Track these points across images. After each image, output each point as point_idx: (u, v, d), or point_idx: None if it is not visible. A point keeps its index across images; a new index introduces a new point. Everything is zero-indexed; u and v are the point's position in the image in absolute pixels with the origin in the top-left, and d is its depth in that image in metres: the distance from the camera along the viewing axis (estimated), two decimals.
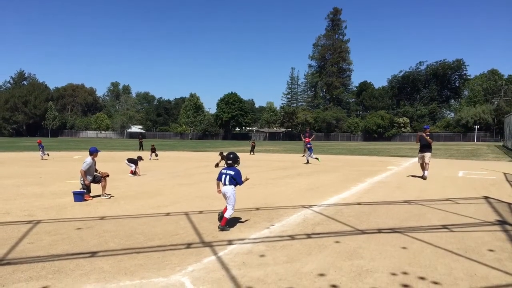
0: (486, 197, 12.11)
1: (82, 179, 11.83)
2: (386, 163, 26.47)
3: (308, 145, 25.88)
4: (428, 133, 17.56)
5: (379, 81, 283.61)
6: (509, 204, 11.03)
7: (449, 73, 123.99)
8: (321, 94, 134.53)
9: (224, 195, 8.08)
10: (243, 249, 6.65)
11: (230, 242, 7.01)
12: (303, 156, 29.34)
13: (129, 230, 7.89)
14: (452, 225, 8.38)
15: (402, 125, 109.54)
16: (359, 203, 11.07)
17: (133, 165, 18.10)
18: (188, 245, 6.84)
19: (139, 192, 13.20)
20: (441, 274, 5.50)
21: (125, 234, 7.58)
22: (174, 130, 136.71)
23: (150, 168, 21.37)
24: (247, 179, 8.42)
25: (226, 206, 8.04)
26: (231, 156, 8.32)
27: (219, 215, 8.20)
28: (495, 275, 5.50)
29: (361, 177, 17.46)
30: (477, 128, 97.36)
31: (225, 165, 8.43)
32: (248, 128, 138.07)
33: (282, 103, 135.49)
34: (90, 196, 11.70)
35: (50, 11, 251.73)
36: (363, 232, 7.82)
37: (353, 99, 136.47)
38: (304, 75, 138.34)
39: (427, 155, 17.09)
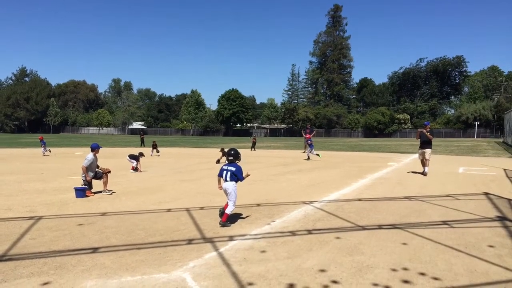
0: (486, 193, 12.10)
1: (83, 175, 11.83)
2: (387, 159, 26.47)
3: (309, 141, 25.85)
4: (429, 130, 17.53)
5: (380, 78, 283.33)
6: (509, 200, 11.02)
7: (449, 69, 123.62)
8: (322, 91, 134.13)
9: (225, 191, 8.06)
10: (244, 245, 6.65)
11: (231, 238, 7.01)
12: (304, 152, 29.33)
13: (131, 226, 7.88)
14: (452, 221, 8.37)
15: (402, 121, 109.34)
16: (359, 199, 11.06)
17: (134, 161, 18.09)
18: (189, 241, 6.84)
19: (141, 188, 13.20)
20: (441, 270, 5.49)
21: (127, 230, 7.57)
22: (176, 126, 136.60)
23: (152, 164, 21.37)
24: (248, 175, 8.39)
25: (227, 202, 8.04)
26: (232, 152, 8.32)
27: (220, 211, 8.21)
28: (495, 271, 5.49)
29: (361, 173, 17.46)
30: (477, 124, 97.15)
31: (226, 161, 8.41)
32: (249, 125, 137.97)
33: (283, 100, 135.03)
34: (92, 192, 11.71)
35: (51, 7, 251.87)
36: (363, 228, 7.81)
37: (354, 96, 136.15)
38: (305, 72, 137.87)
39: (428, 151, 17.07)
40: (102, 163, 13.39)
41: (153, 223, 8.14)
